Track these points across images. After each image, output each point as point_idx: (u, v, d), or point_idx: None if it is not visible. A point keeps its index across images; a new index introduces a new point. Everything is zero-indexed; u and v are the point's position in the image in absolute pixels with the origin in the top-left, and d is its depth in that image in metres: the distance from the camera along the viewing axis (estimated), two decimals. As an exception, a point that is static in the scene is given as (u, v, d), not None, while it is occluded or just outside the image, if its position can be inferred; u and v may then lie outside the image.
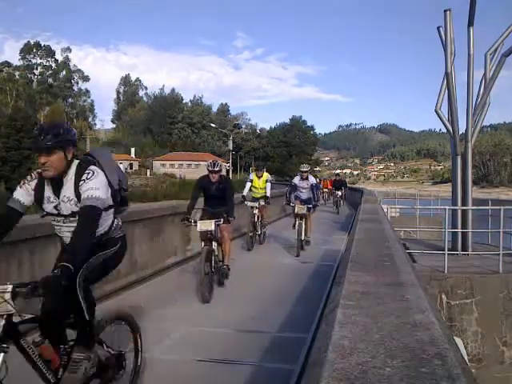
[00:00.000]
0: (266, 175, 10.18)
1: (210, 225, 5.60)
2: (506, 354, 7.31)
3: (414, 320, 1.87)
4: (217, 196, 6.13)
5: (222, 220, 5.68)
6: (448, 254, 7.74)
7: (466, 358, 4.64)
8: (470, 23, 9.67)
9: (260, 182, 10.01)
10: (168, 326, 4.62)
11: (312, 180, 9.77)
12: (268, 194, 9.79)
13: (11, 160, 52.82)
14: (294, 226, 9.05)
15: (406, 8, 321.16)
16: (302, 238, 9.01)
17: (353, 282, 2.58)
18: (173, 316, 4.96)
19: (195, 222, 5.77)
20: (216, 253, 5.82)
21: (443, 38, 9.66)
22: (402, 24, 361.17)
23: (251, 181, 10.03)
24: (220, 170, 6.18)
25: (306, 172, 9.73)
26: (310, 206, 9.41)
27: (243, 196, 9.74)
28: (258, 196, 9.90)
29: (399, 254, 3.68)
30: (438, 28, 9.72)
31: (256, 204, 9.51)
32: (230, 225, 6.00)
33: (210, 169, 6.06)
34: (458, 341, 6.52)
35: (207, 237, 5.63)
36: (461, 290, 7.43)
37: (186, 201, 9.30)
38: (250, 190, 10.04)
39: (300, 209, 9.08)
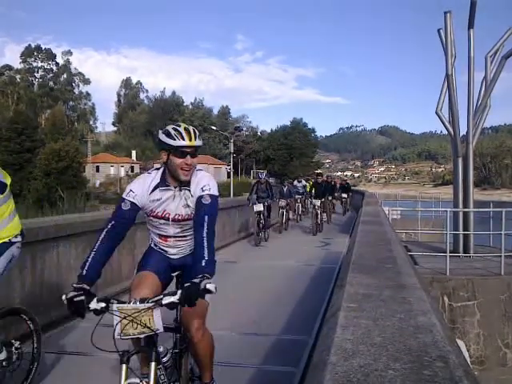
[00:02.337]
0: None
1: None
2: (508, 356, 7.29)
3: (416, 322, 1.87)
4: None
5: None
6: (450, 256, 7.72)
7: (468, 360, 4.62)
8: (471, 25, 9.68)
9: None
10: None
11: (204, 187, 2.39)
12: None
13: (12, 163, 52.93)
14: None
15: (406, 10, 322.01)
16: None
17: (354, 285, 2.58)
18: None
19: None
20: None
21: (444, 40, 9.67)
22: (403, 26, 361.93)
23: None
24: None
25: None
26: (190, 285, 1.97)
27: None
28: None
29: (401, 256, 3.68)
30: (439, 30, 9.74)
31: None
32: None
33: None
34: (461, 343, 6.51)
35: None
36: (463, 292, 7.42)
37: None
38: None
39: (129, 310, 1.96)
